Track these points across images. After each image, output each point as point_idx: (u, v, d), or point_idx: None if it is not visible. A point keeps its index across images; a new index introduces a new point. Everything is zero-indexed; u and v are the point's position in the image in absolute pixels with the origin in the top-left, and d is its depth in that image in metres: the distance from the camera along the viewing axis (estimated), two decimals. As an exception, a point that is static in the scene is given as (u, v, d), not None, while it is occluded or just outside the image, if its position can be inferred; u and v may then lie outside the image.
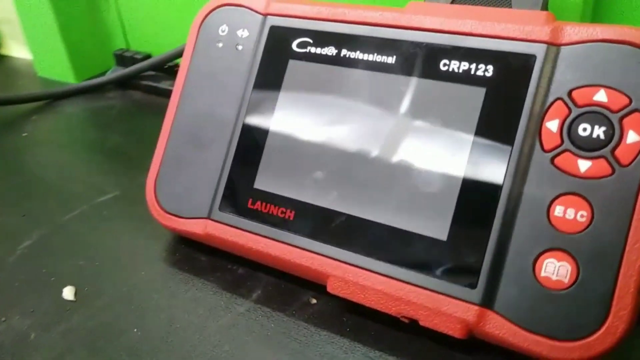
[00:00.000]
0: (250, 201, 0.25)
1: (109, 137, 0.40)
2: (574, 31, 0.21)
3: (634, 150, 0.19)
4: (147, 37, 0.50)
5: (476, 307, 0.21)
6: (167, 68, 0.46)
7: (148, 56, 0.47)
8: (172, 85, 0.45)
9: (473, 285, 0.21)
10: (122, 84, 0.47)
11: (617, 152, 0.20)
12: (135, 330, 0.24)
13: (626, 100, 0.20)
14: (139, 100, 0.46)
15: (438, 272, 0.21)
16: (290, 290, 0.25)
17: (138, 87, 0.47)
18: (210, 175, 0.27)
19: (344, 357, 0.22)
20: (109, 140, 0.40)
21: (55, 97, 0.47)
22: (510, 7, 0.23)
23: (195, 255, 0.28)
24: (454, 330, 0.21)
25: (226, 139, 0.27)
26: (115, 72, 0.47)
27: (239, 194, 0.26)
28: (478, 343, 0.22)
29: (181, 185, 0.27)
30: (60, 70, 0.50)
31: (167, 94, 0.45)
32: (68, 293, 0.26)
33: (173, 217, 0.27)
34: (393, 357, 0.22)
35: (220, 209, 0.26)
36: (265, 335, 0.23)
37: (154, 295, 0.26)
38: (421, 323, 0.22)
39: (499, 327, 0.20)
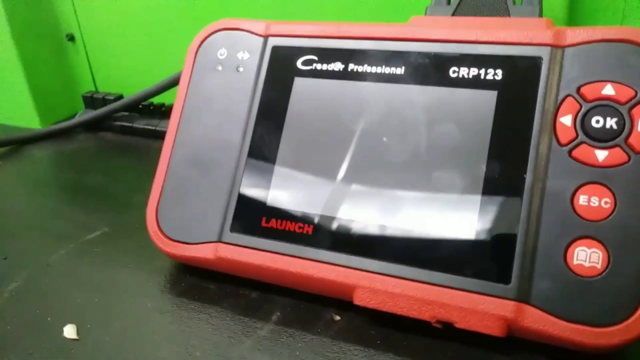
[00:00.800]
0: (264, 219, 0.25)
1: (87, 178, 0.39)
2: (575, 34, 0.22)
3: (646, 137, 0.20)
4: (115, 79, 0.49)
5: (513, 303, 0.21)
6: (142, 107, 0.45)
7: (120, 97, 0.46)
8: (148, 124, 0.45)
9: (507, 281, 0.21)
10: (92, 126, 0.46)
11: (631, 139, 0.21)
12: (151, 362, 0.22)
13: (632, 93, 0.21)
14: (113, 141, 0.44)
15: (469, 271, 0.21)
16: (310, 309, 0.25)
17: (110, 129, 0.46)
18: (218, 197, 0.26)
19: (381, 369, 0.21)
20: (88, 180, 0.38)
21: (20, 142, 0.44)
22: (509, 16, 0.25)
23: (202, 283, 0.27)
24: (493, 329, 0.21)
25: (233, 160, 0.26)
26: (86, 114, 0.46)
27: (251, 213, 0.25)
28: (513, 344, 0.22)
29: (186, 211, 0.26)
30: (23, 116, 0.48)
31: (142, 133, 0.44)
32: (70, 331, 0.24)
33: (179, 244, 0.26)
34: (430, 364, 0.21)
35: (232, 230, 0.25)
36: (295, 356, 0.22)
37: (166, 325, 0.24)
38: (457, 325, 0.21)
39: (538, 320, 0.20)
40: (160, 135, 0.43)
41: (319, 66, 0.26)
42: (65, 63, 0.49)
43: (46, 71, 0.48)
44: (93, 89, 0.49)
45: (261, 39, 0.27)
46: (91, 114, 0.45)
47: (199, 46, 0.29)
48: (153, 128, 0.44)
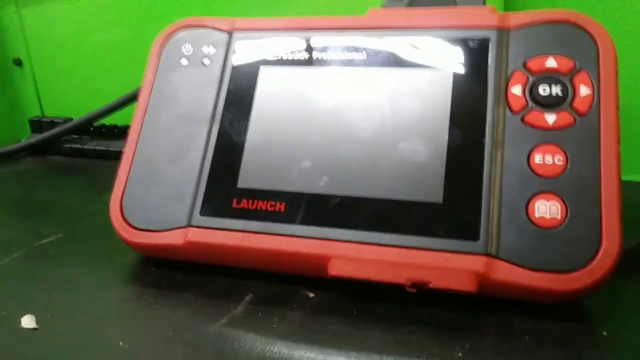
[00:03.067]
0: (235, 201, 0.25)
1: (37, 193, 0.37)
2: (518, 17, 0.25)
3: (587, 101, 0.23)
4: (63, 104, 0.48)
5: (483, 257, 0.21)
6: (93, 130, 0.44)
7: (69, 120, 0.45)
8: (99, 145, 0.44)
9: (476, 238, 0.22)
10: (39, 150, 0.44)
11: (575, 104, 0.23)
12: (121, 343, 0.21)
13: (572, 64, 0.23)
14: (62, 163, 0.43)
15: (440, 232, 0.22)
16: (283, 289, 0.24)
17: (59, 152, 0.44)
18: (187, 183, 0.26)
19: (363, 335, 0.21)
20: (38, 195, 0.37)
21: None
22: (456, 5, 0.27)
23: (170, 273, 0.26)
24: (466, 284, 0.21)
25: (202, 146, 0.26)
26: (33, 137, 0.44)
27: (222, 196, 0.25)
28: (484, 302, 0.22)
29: (153, 199, 0.26)
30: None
31: (94, 154, 0.43)
32: (28, 321, 0.22)
33: (145, 233, 0.25)
34: (408, 327, 0.22)
35: (201, 214, 0.25)
36: (273, 329, 0.22)
37: (134, 312, 0.23)
38: (432, 285, 0.22)
39: (507, 272, 0.21)
40: (113, 156, 0.42)
41: (284, 56, 0.27)
42: (11, 88, 0.48)
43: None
44: (40, 114, 0.48)
45: (226, 34, 0.28)
46: (39, 136, 0.43)
47: (163, 43, 0.29)
48: (105, 149, 0.43)
